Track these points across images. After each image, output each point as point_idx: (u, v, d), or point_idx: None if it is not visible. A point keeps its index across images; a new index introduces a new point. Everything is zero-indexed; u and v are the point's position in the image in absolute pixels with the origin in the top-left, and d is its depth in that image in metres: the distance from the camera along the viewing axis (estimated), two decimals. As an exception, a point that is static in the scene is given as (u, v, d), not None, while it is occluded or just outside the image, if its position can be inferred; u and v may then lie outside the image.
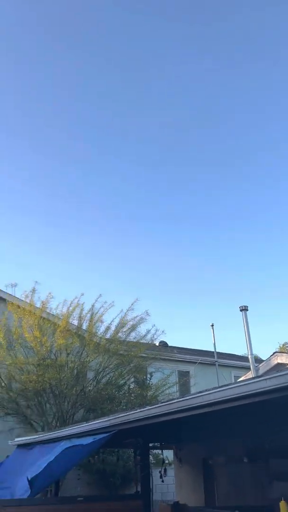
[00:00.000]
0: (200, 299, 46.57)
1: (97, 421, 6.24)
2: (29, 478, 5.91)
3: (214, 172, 32.77)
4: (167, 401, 5.06)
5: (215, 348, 16.41)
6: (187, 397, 4.70)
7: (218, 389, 4.44)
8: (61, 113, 28.05)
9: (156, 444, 10.10)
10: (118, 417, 5.74)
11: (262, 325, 49.49)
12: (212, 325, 18.09)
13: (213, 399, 4.39)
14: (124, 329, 12.52)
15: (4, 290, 13.97)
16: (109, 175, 33.78)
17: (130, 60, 25.10)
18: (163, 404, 5.01)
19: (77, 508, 6.24)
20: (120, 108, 27.90)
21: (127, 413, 5.63)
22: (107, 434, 5.85)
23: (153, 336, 12.76)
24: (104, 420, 6.06)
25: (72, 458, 5.90)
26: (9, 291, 13.47)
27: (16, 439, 9.55)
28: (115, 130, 29.11)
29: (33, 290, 12.62)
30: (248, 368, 11.88)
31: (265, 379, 4.02)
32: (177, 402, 4.75)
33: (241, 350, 23.54)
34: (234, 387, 4.28)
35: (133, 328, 12.47)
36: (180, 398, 4.94)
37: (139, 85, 26.83)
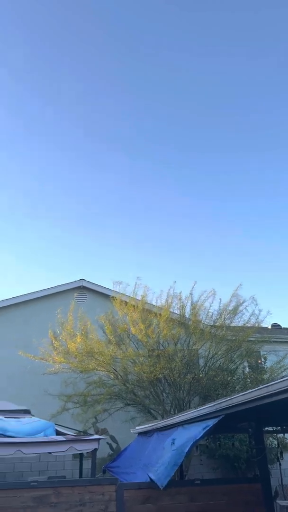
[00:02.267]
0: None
1: (204, 407, 6.32)
2: (151, 475, 6.17)
3: None
4: (266, 384, 4.97)
5: None
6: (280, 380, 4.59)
7: None
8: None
9: (276, 428, 9.92)
10: (223, 402, 5.79)
11: None
12: None
13: None
14: (228, 315, 12.42)
15: (108, 287, 14.62)
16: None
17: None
18: (262, 387, 4.94)
19: (195, 491, 6.37)
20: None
21: (230, 398, 5.65)
22: (214, 420, 5.89)
23: (257, 319, 12.48)
24: (210, 405, 6.12)
25: (186, 444, 6.01)
26: (116, 288, 13.69)
27: (137, 428, 10.05)
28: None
29: (135, 285, 12.96)
30: None
31: None
32: (274, 384, 4.66)
33: None
34: None
35: (235, 312, 12.33)
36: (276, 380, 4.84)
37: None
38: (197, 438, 5.84)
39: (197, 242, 37.30)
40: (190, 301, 12.45)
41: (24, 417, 9.66)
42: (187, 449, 5.90)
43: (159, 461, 6.68)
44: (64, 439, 8.62)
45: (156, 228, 37.36)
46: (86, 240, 37.06)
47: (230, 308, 12.42)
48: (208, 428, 5.82)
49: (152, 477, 6.03)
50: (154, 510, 6.05)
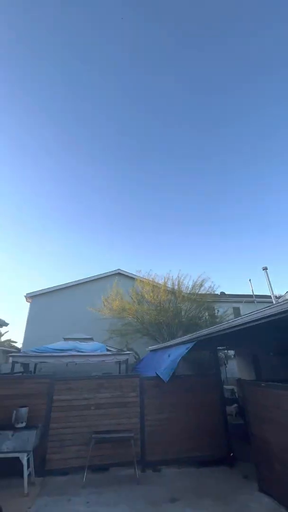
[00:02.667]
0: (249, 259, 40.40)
1: (185, 337, 6.34)
2: (158, 373, 5.99)
3: None
4: (217, 325, 4.99)
5: (253, 292, 15.28)
6: (223, 323, 4.60)
7: (248, 314, 4.22)
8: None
9: (223, 347, 9.91)
10: (195, 334, 5.82)
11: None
12: (250, 280, 16.91)
13: (246, 321, 4.22)
14: (197, 287, 12.32)
15: (132, 273, 14.65)
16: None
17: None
18: (215, 326, 4.97)
19: (181, 381, 6.30)
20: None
21: (199, 332, 5.68)
22: (191, 344, 5.87)
23: (212, 289, 12.36)
24: (189, 336, 6.14)
25: (177, 357, 5.88)
26: (137, 273, 13.61)
27: (149, 347, 10.11)
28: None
29: (149, 273, 12.97)
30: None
31: (270, 308, 3.81)
32: (221, 325, 4.68)
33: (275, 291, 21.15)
34: (255, 313, 4.05)
35: (201, 285, 12.17)
36: (220, 324, 4.87)
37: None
38: (183, 353, 5.75)
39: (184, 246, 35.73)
40: (177, 280, 12.38)
41: (89, 342, 9.77)
42: (178, 360, 5.80)
43: (162, 366, 6.65)
44: (111, 353, 8.66)
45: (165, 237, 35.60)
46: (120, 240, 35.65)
47: (198, 283, 12.30)
48: (188, 348, 5.79)
49: (160, 375, 5.95)
50: (160, 391, 6.07)
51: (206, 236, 33.64)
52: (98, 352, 8.62)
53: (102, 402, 5.80)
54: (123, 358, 8.75)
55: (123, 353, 8.92)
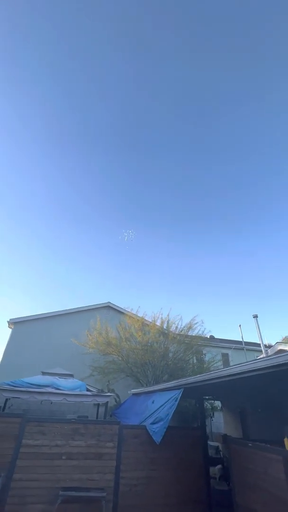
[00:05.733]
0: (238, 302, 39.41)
1: (171, 382, 6.06)
2: (150, 432, 5.50)
3: None
4: (205, 374, 4.85)
5: (242, 339, 15.04)
6: (210, 372, 4.50)
7: (239, 365, 4.12)
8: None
9: (209, 397, 9.45)
10: (182, 380, 5.61)
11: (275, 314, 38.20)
12: (240, 326, 16.75)
13: (237, 371, 4.12)
14: (187, 329, 12.12)
15: (121, 307, 14.45)
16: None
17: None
18: (203, 375, 4.84)
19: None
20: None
21: (186, 379, 5.48)
22: (178, 392, 5.50)
23: (203, 332, 12.16)
24: (175, 382, 5.90)
25: (169, 414, 5.35)
26: (127, 309, 13.61)
27: (132, 390, 9.55)
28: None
29: (137, 309, 12.87)
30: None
31: (263, 360, 3.77)
32: (209, 374, 4.56)
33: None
34: (248, 363, 3.96)
35: (191, 328, 11.99)
36: (205, 373, 4.75)
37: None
38: (174, 407, 5.30)
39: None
40: (167, 320, 12.21)
41: (69, 378, 9.22)
42: (169, 417, 5.27)
43: (146, 414, 6.09)
44: (90, 394, 8.20)
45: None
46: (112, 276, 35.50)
47: (188, 325, 12.10)
48: (177, 399, 5.38)
49: (152, 435, 5.41)
50: (139, 443, 5.56)
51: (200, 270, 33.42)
52: (77, 391, 8.13)
53: (75, 452, 5.27)
54: (103, 400, 8.25)
55: (103, 394, 8.40)
